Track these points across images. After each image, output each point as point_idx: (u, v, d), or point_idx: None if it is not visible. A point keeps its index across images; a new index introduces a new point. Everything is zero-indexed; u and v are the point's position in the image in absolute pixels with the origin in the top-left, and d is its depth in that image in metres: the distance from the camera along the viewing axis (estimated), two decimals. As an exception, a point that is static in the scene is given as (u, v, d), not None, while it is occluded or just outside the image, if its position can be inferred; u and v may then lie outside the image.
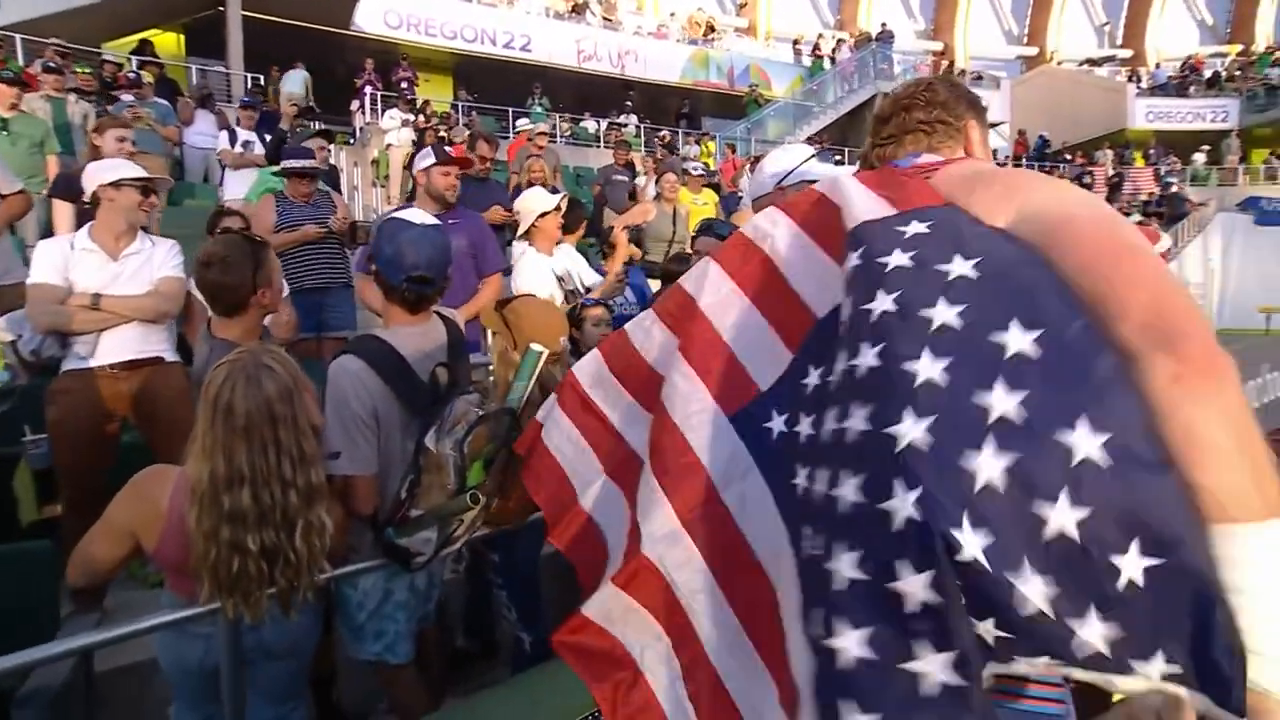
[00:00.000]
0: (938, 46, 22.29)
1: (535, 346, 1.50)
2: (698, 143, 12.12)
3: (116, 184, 2.37)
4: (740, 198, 8.87)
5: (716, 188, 8.46)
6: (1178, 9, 24.32)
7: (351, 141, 11.55)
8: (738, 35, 19.33)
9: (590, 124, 13.54)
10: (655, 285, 3.76)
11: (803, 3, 22.05)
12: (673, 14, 18.34)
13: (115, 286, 2.33)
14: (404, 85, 12.68)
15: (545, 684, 1.52)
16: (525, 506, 1.45)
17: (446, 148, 3.37)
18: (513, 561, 2.08)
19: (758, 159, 11.30)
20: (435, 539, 1.46)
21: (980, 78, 18.84)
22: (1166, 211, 13.61)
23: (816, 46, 17.80)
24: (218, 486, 1.28)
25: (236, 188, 5.57)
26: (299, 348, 2.98)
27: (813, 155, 1.67)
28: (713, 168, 10.16)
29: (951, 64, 20.88)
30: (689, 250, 3.54)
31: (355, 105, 12.27)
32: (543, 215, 3.27)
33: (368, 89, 12.38)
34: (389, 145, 9.18)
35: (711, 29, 17.83)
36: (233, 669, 1.37)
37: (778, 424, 0.81)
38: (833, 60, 16.99)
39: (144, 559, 1.51)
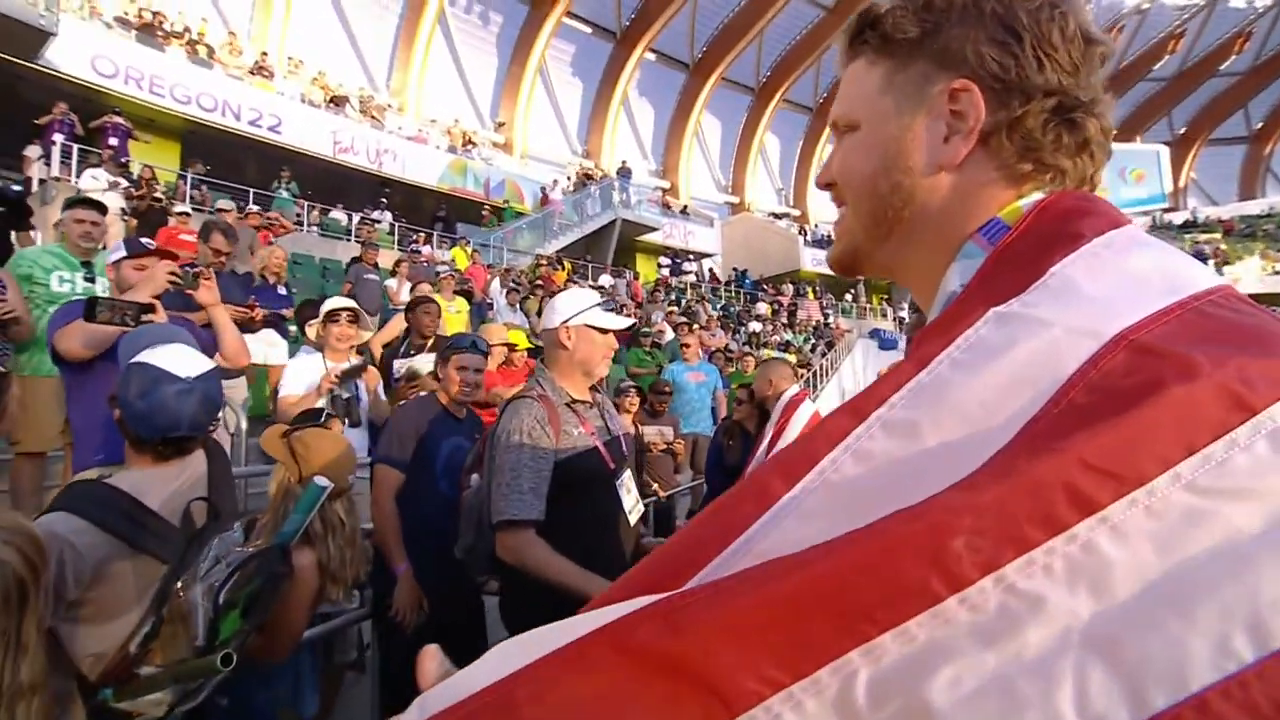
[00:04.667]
0: (666, 184, 26.62)
1: (320, 480, 1.47)
2: (452, 247, 12.64)
3: None
4: (490, 303, 9.43)
5: (469, 294, 8.65)
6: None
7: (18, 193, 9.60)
8: (495, 149, 20.87)
9: (341, 215, 13.26)
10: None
11: (555, 131, 24.83)
12: (433, 120, 19.18)
13: None
14: (114, 143, 11.14)
15: None
16: (289, 644, 1.42)
17: (144, 240, 2.90)
18: (246, 709, 1.79)
19: (509, 270, 12.24)
20: (170, 700, 1.23)
21: (687, 213, 22.99)
22: (828, 339, 17.96)
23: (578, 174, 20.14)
24: None
25: None
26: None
27: (597, 304, 1.89)
28: (465, 272, 10.66)
29: (676, 199, 25.07)
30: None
31: (36, 152, 10.32)
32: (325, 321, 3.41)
33: (57, 135, 10.56)
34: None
35: (470, 142, 19.04)
36: None
37: None
38: (584, 185, 19.34)
39: None
